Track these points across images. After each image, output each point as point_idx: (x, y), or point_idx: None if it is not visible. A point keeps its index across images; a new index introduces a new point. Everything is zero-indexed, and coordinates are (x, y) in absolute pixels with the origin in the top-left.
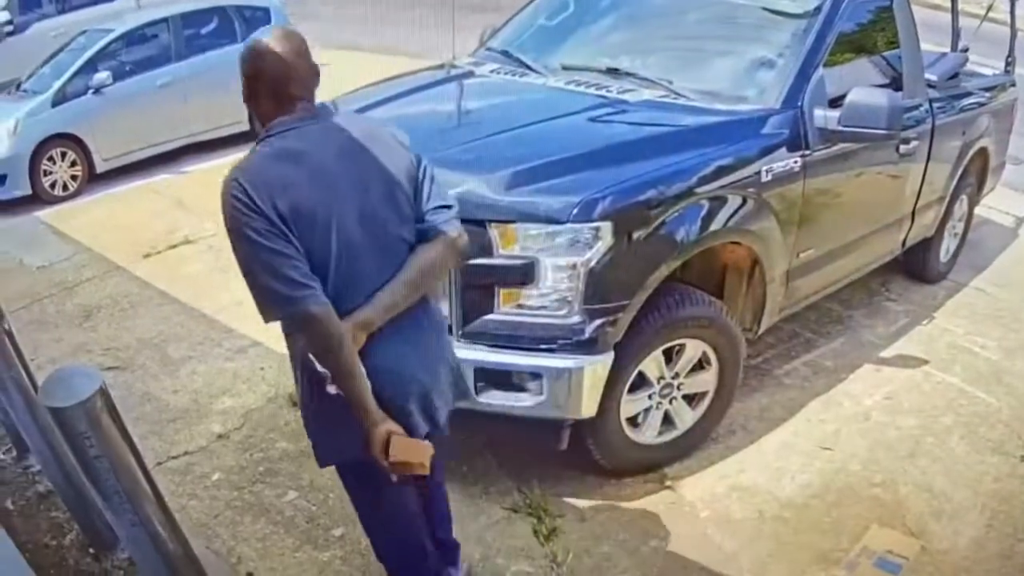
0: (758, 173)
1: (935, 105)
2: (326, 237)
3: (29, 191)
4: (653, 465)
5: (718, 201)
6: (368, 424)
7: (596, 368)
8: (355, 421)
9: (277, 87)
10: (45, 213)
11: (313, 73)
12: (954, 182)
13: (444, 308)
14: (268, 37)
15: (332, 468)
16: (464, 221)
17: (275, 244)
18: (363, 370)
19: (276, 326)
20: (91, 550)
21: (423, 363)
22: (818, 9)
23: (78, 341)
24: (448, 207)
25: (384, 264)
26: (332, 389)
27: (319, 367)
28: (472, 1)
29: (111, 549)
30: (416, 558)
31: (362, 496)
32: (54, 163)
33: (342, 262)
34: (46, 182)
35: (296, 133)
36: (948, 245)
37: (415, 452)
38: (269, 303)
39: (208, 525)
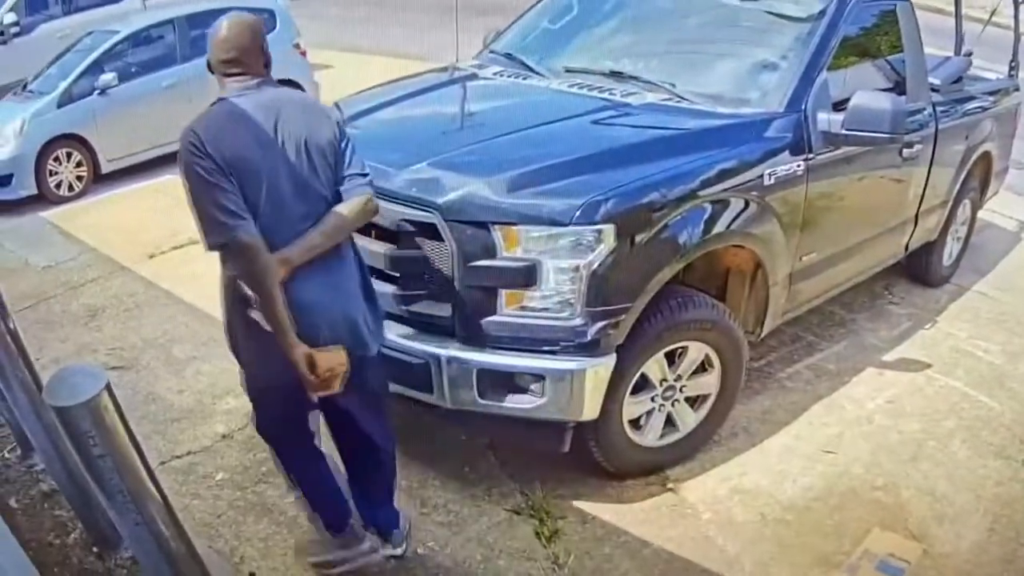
0: (761, 176)
1: (938, 109)
2: (258, 185)
3: (35, 191)
4: (655, 467)
5: (721, 204)
6: (287, 346)
7: (598, 370)
8: (278, 348)
9: (227, 59)
10: (51, 213)
11: (261, 51)
12: (957, 186)
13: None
14: (227, 20)
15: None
16: (467, 223)
17: (218, 181)
18: (283, 298)
19: None
20: (94, 549)
21: (331, 300)
22: (822, 13)
23: (83, 341)
24: (364, 175)
25: (306, 214)
26: (255, 314)
27: (247, 291)
28: (476, 4)
29: (114, 548)
30: (330, 499)
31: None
32: (60, 163)
33: (269, 208)
34: (52, 182)
35: (245, 98)
36: (951, 249)
37: (332, 360)
38: (211, 230)
39: (211, 525)
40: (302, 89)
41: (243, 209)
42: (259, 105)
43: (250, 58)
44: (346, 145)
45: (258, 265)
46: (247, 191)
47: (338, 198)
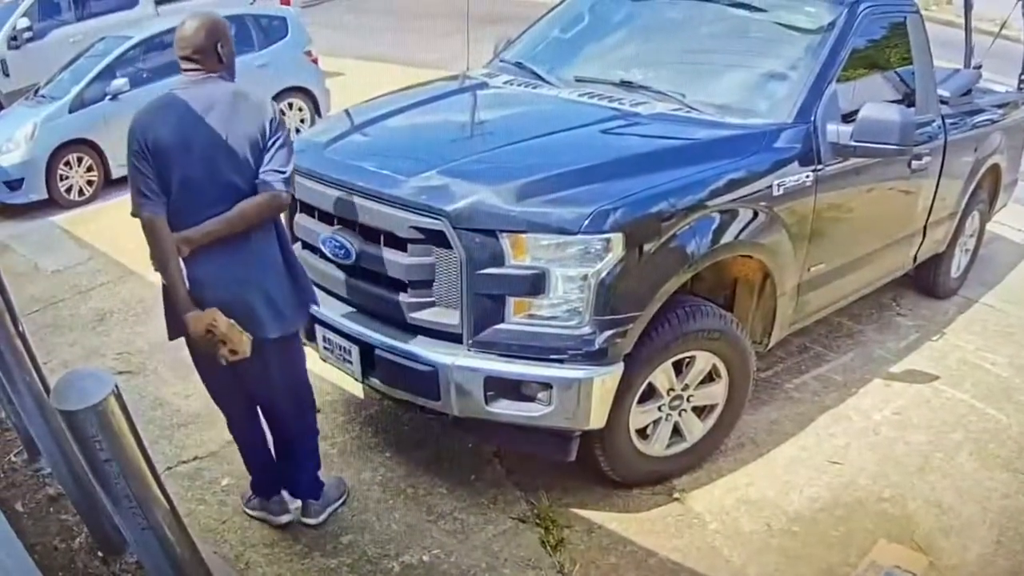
0: (770, 187)
1: (948, 121)
2: (172, 170)
3: (45, 196)
4: (662, 477)
5: (729, 214)
6: (180, 310)
7: (605, 379)
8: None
9: (182, 55)
10: (61, 218)
11: (215, 50)
12: (966, 198)
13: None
14: (188, 19)
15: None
16: (476, 231)
17: (141, 163)
18: (179, 269)
19: None
20: (100, 553)
21: (223, 281)
22: (832, 24)
23: (91, 345)
24: (281, 172)
25: (217, 200)
26: (159, 279)
27: None
28: (487, 13)
29: (120, 553)
30: (256, 464)
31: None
32: (70, 168)
33: (180, 191)
34: (62, 187)
35: (184, 91)
36: (959, 261)
37: (199, 322)
38: (132, 202)
39: (217, 530)
40: (313, 97)
41: (153, 191)
42: (194, 98)
43: (202, 56)
44: (275, 142)
45: (155, 238)
46: (163, 174)
47: (255, 190)
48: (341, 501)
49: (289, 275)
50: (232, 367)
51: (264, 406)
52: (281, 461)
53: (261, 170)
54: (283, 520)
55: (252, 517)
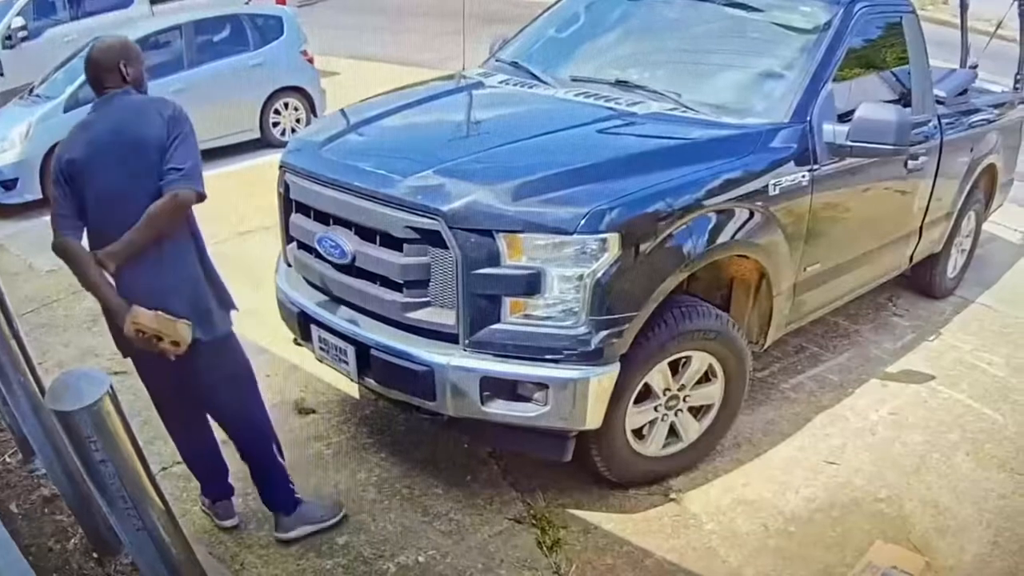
0: (766, 187)
1: (944, 121)
2: (87, 187)
3: (40, 195)
4: (658, 477)
5: (725, 214)
6: (116, 319)
7: (602, 379)
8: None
9: (89, 79)
10: None
11: (118, 69)
12: (962, 198)
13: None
14: (88, 48)
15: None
16: (472, 231)
17: (56, 189)
18: (103, 282)
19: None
20: (95, 554)
21: (148, 293)
22: (828, 24)
23: (86, 345)
24: (179, 169)
25: (135, 213)
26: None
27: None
28: (484, 12)
29: (114, 553)
30: (200, 469)
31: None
32: None
33: (97, 207)
34: None
35: (94, 111)
36: (956, 261)
37: (129, 323)
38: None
39: (212, 531)
40: (309, 97)
41: (65, 214)
42: (101, 115)
43: (106, 75)
44: (172, 140)
45: (67, 259)
46: (81, 193)
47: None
48: (325, 524)
49: (208, 279)
50: (175, 372)
51: (212, 415)
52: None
53: (164, 170)
54: (227, 524)
55: (205, 513)
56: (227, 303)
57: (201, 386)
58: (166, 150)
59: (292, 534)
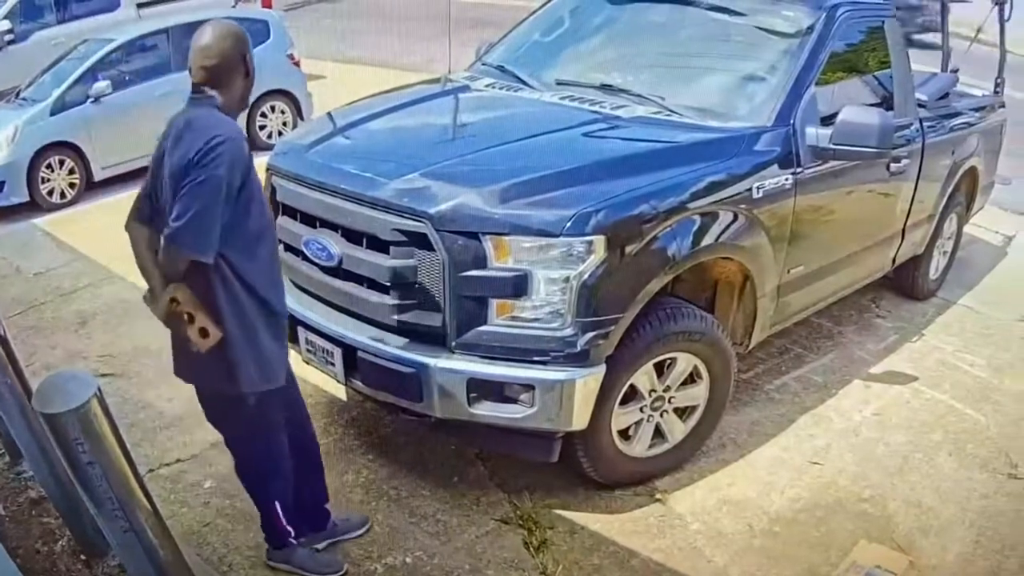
0: (750, 190)
1: (925, 124)
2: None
3: (27, 198)
4: (644, 478)
5: (710, 217)
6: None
7: (588, 381)
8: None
9: (193, 67)
10: (43, 220)
11: (200, 67)
12: (944, 200)
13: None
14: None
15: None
16: (458, 233)
17: (147, 176)
18: (150, 269)
19: None
20: (82, 556)
21: None
22: (811, 28)
23: (74, 347)
24: (175, 220)
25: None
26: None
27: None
28: (470, 16)
29: (102, 556)
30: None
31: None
32: (52, 171)
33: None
34: (44, 189)
35: (185, 111)
36: (938, 263)
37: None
38: None
39: (199, 533)
40: (295, 100)
41: (138, 202)
42: (173, 122)
43: (203, 75)
44: (186, 183)
45: (131, 245)
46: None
47: None
48: (313, 572)
49: (247, 339)
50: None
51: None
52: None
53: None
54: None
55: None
56: (266, 372)
57: (218, 424)
58: (179, 190)
59: (275, 564)
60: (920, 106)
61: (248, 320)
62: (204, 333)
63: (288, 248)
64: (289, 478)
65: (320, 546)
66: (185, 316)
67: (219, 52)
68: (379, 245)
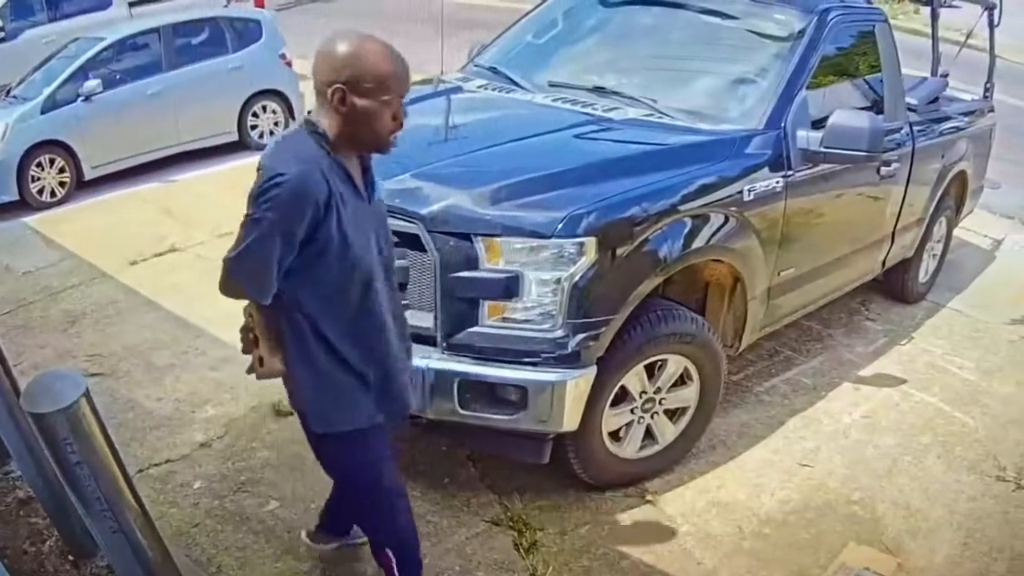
0: (740, 192)
1: (915, 128)
2: None
3: (16, 197)
4: (634, 479)
5: (701, 219)
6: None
7: (579, 382)
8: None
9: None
10: (32, 219)
11: (322, 88)
12: (933, 204)
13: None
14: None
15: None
16: (450, 234)
17: None
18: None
19: None
20: (70, 557)
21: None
22: (802, 32)
23: (62, 347)
24: (228, 255)
25: None
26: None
27: None
28: (461, 18)
29: (90, 556)
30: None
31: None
32: (42, 169)
33: None
34: (34, 188)
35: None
36: (927, 266)
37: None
38: None
39: (188, 533)
40: (287, 100)
41: None
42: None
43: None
44: (246, 216)
45: None
46: None
47: None
48: None
49: (330, 379)
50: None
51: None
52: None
53: None
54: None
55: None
56: (345, 414)
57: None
58: None
59: (317, 546)
60: (910, 110)
61: (319, 368)
62: (261, 361)
63: None
64: (401, 522)
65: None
66: (251, 336)
67: (317, 67)
68: None
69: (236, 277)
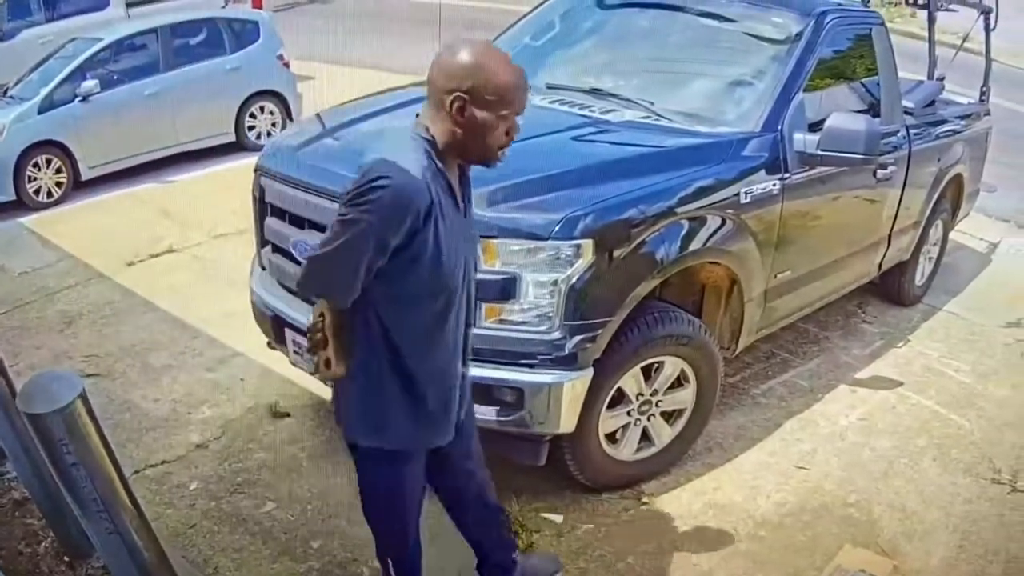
0: (737, 195)
1: (912, 132)
2: None
3: (13, 197)
4: (631, 481)
5: (698, 221)
6: None
7: (575, 384)
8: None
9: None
10: (29, 219)
11: (437, 95)
12: (929, 207)
13: None
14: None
15: (312, 480)
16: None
17: None
18: None
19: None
20: (66, 558)
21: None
22: (799, 35)
23: (59, 347)
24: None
25: None
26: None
27: None
28: (460, 19)
29: (86, 557)
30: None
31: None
32: (39, 169)
33: None
34: (30, 188)
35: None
36: (923, 269)
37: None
38: None
39: (185, 534)
40: (285, 101)
41: None
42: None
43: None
44: (338, 216)
45: None
46: None
47: None
48: None
49: (376, 384)
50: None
51: None
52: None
53: None
54: None
55: None
56: (381, 432)
57: None
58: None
59: None
60: (907, 113)
61: (378, 378)
62: (328, 363)
63: (276, 249)
64: (409, 544)
65: None
66: (320, 337)
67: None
68: None
69: (320, 277)
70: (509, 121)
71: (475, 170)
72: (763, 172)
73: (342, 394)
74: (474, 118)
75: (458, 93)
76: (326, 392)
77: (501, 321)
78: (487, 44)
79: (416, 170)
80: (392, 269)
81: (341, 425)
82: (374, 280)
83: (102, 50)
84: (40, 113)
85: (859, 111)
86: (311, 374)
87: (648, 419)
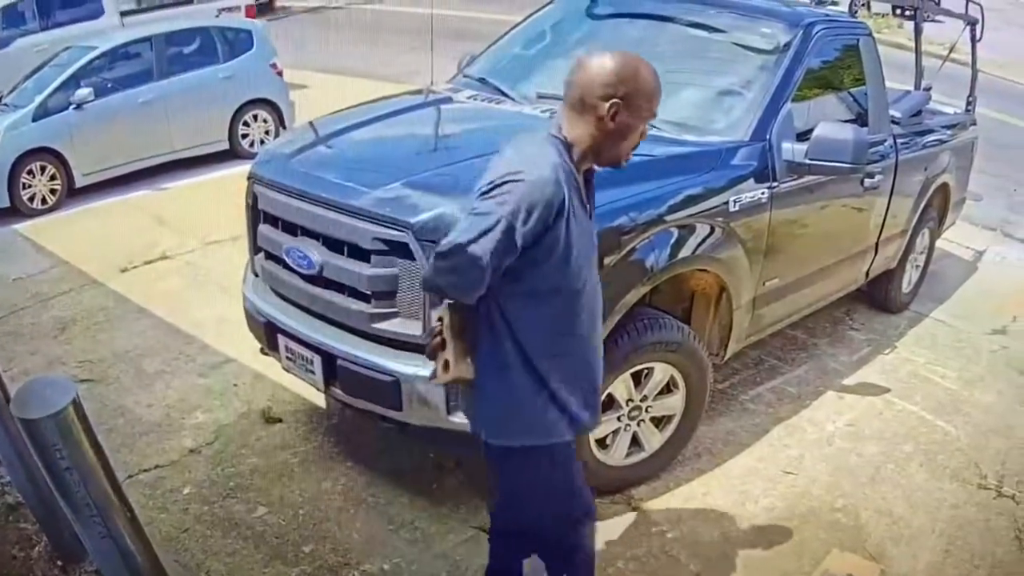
0: (726, 203)
1: (899, 141)
2: None
3: (7, 204)
4: (621, 486)
5: (687, 229)
6: None
7: None
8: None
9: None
10: (23, 226)
11: (579, 100)
12: (916, 216)
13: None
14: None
15: (303, 485)
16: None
17: None
18: None
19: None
20: (59, 562)
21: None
22: (788, 45)
23: (53, 353)
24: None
25: None
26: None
27: None
28: (452, 29)
29: (79, 561)
30: None
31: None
32: (33, 177)
33: None
34: (25, 195)
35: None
36: (910, 277)
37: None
38: None
39: (177, 539)
40: (278, 109)
41: None
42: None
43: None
44: (471, 211)
45: None
46: None
47: None
48: None
49: (509, 384)
50: None
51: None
52: None
53: None
54: None
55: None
56: (511, 425)
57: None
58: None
59: None
60: (894, 123)
61: (510, 379)
62: (447, 366)
63: (269, 256)
64: (588, 547)
65: None
66: (439, 340)
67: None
68: (360, 254)
69: (450, 273)
70: (644, 127)
71: (467, 178)
72: (752, 181)
73: (477, 400)
74: (625, 122)
75: (615, 99)
76: (318, 398)
77: None
78: (634, 53)
79: (550, 167)
80: (522, 265)
81: (480, 432)
82: (501, 277)
83: (97, 58)
84: (35, 120)
85: (847, 121)
86: (428, 379)
87: (638, 425)
